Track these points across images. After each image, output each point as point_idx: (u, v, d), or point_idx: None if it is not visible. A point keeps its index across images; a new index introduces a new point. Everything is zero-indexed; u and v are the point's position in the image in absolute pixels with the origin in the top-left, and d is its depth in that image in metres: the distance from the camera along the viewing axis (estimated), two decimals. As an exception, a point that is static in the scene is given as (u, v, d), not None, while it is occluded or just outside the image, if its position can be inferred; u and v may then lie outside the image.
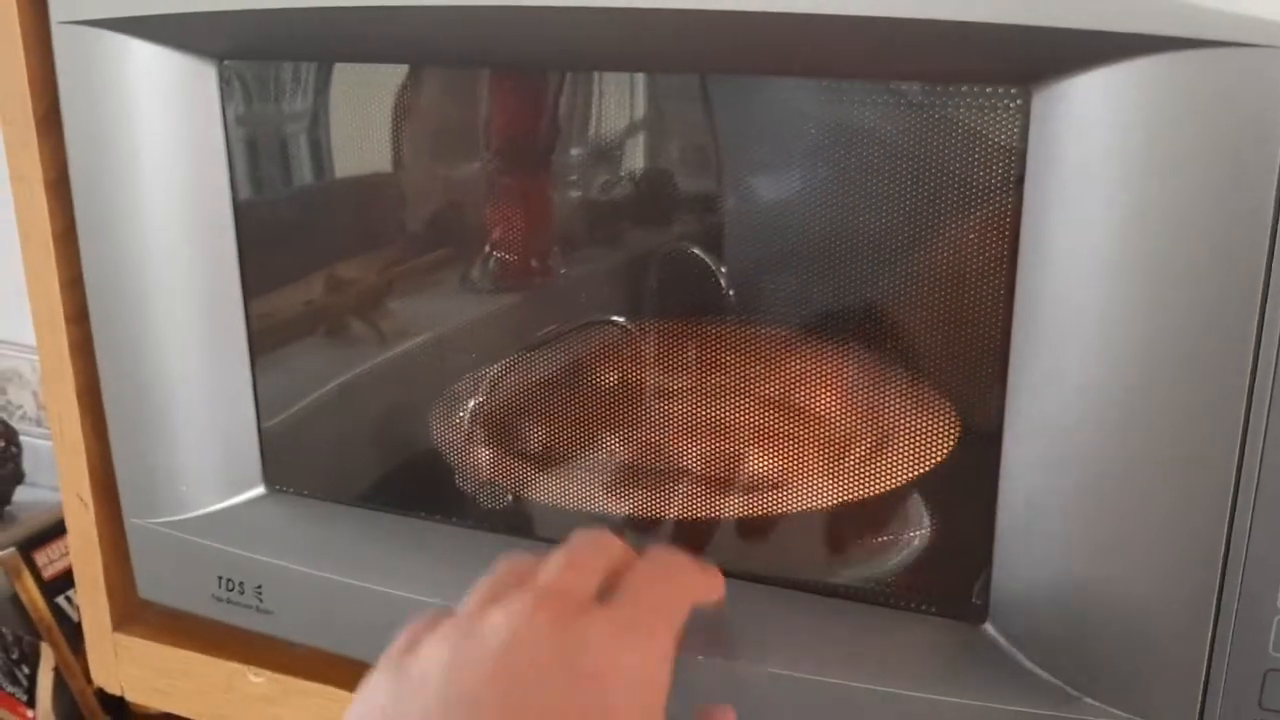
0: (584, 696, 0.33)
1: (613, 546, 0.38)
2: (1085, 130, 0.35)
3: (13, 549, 0.89)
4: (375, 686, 0.35)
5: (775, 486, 0.45)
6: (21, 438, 1.05)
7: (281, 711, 0.55)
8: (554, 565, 0.37)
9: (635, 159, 0.46)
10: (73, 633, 0.88)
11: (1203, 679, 0.37)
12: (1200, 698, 0.37)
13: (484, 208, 0.50)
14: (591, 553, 0.38)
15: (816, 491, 0.44)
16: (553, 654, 0.33)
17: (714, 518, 0.47)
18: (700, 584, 0.39)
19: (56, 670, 0.87)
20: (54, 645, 0.86)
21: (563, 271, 0.50)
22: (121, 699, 0.85)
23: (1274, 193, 0.33)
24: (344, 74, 0.50)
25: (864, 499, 0.43)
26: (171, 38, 0.48)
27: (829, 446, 0.44)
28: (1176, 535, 0.37)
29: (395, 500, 0.53)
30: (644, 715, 0.34)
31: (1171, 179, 0.34)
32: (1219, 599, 0.37)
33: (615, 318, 0.47)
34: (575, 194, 0.48)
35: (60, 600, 0.90)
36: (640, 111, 0.45)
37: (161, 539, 0.54)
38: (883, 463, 0.42)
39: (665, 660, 0.35)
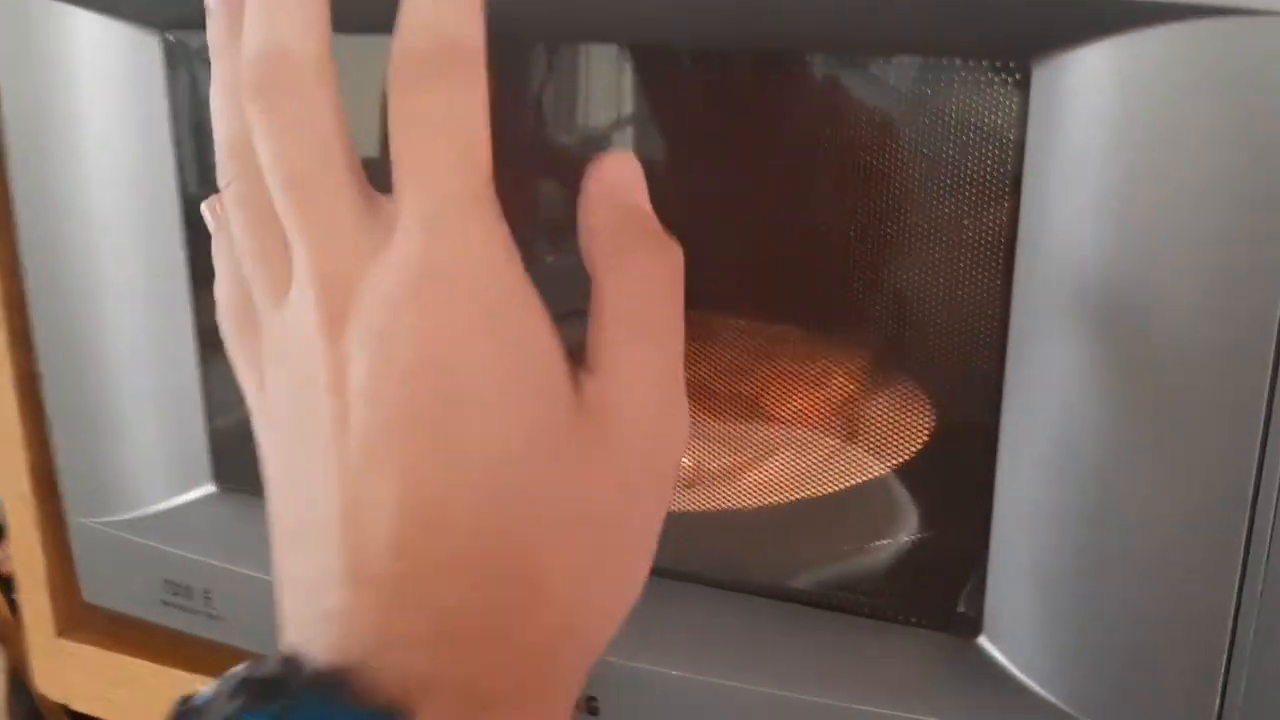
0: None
1: (317, 109, 0.27)
2: (1089, 106, 0.32)
3: (-35, 545, 0.86)
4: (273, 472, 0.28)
5: (759, 490, 0.43)
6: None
7: (232, 723, 0.52)
8: (284, 210, 0.26)
9: (615, 139, 0.44)
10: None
11: (1218, 701, 0.34)
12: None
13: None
14: (303, 149, 0.26)
15: (799, 495, 0.42)
16: (381, 355, 0.25)
17: (694, 520, 0.44)
18: (478, 94, 0.26)
19: (12, 670, 0.84)
20: (9, 644, 0.83)
21: (546, 259, 0.47)
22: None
23: (1295, 175, 0.30)
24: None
25: (850, 505, 0.41)
26: (111, 5, 0.45)
27: (813, 447, 0.42)
28: (1189, 542, 0.34)
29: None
30: (526, 350, 0.26)
31: (1182, 160, 0.31)
32: (1236, 612, 0.34)
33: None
34: (555, 180, 0.45)
35: (17, 597, 0.87)
36: (621, 89, 0.42)
37: (106, 539, 0.52)
38: (870, 466, 0.40)
39: (505, 258, 0.26)
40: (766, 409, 0.42)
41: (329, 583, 0.25)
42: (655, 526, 0.28)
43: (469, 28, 0.25)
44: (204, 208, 0.31)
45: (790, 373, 0.41)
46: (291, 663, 0.24)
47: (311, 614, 0.25)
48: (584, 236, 0.28)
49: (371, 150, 0.47)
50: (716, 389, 0.42)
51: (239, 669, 0.25)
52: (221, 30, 0.28)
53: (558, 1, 0.39)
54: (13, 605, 0.87)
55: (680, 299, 0.27)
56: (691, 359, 0.40)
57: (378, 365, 0.25)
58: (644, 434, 0.27)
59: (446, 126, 0.25)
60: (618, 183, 0.28)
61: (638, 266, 0.27)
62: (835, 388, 0.41)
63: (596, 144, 0.44)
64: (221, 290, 0.30)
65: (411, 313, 0.25)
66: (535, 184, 0.46)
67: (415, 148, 0.26)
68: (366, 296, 0.25)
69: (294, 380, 0.27)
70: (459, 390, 0.25)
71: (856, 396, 0.40)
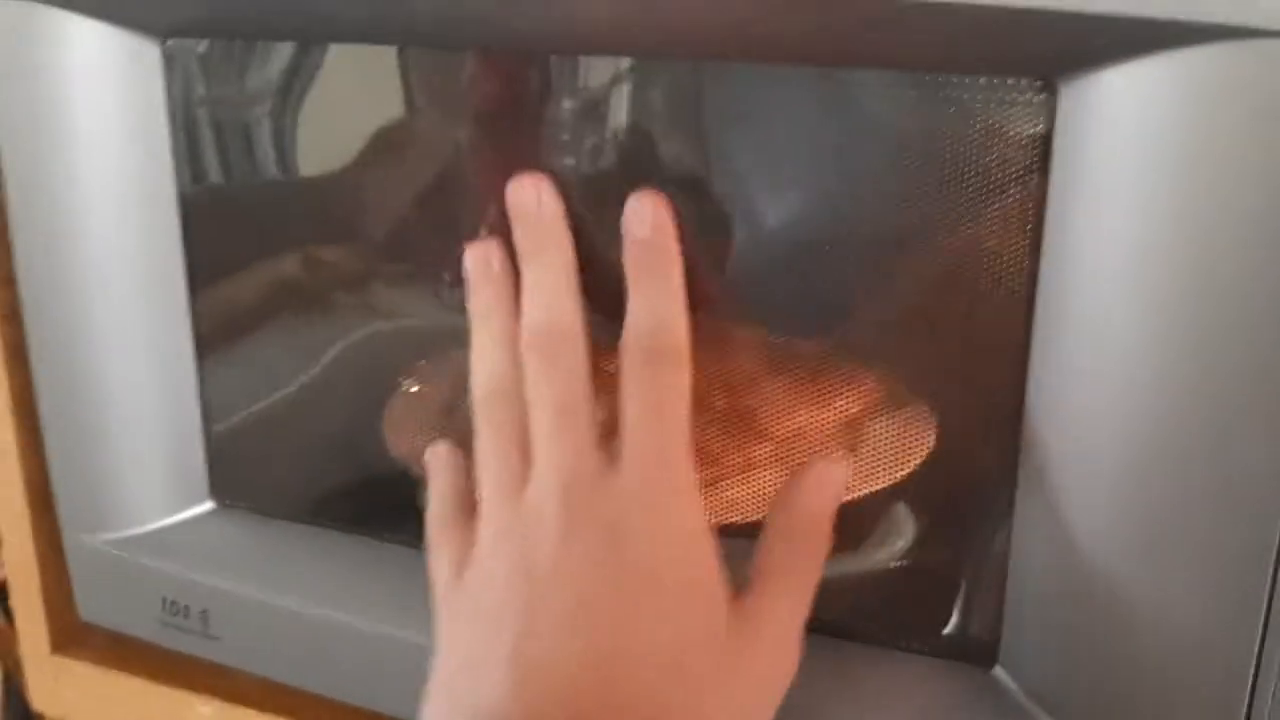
0: (642, 583, 0.34)
1: (578, 366, 0.36)
2: (1116, 127, 0.31)
3: (-40, 553, 0.85)
4: (452, 636, 0.36)
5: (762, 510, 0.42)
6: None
7: (230, 744, 0.51)
8: (547, 433, 0.36)
9: (618, 151, 0.42)
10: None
11: (1242, 739, 0.34)
12: (1237, 758, 0.34)
13: (458, 205, 0.46)
14: (572, 393, 0.36)
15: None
16: (601, 547, 0.34)
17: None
18: (685, 378, 0.36)
19: (7, 679, 0.83)
20: (3, 655, 0.83)
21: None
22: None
23: (1326, 199, 0.29)
24: (296, 56, 0.46)
25: (865, 531, 0.40)
26: (110, 13, 0.45)
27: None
28: (1214, 572, 0.33)
29: (353, 519, 0.49)
30: (702, 569, 0.35)
31: (1211, 181, 0.31)
32: (1261, 645, 0.33)
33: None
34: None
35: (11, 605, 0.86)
36: (636, 102, 0.41)
37: (103, 557, 0.51)
38: (887, 492, 0.39)
39: (693, 499, 0.35)
40: (774, 425, 0.41)
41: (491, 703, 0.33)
42: None
43: (683, 325, 0.36)
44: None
45: (803, 390, 0.40)
46: None
47: None
48: (781, 525, 0.37)
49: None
50: (719, 404, 0.41)
51: None
52: (488, 298, 0.39)
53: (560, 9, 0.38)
54: (8, 614, 0.86)
55: (817, 583, 0.37)
56: (710, 371, 0.39)
57: (599, 557, 0.34)
58: (783, 656, 0.36)
59: (663, 398, 0.35)
60: (824, 489, 0.37)
61: (808, 543, 0.37)
62: (849, 409, 0.40)
63: (601, 157, 0.43)
64: (437, 487, 0.41)
65: (631, 527, 0.34)
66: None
67: (640, 409, 0.35)
68: (599, 505, 0.34)
69: (511, 563, 0.35)
70: (653, 587, 0.34)
71: (871, 419, 0.39)
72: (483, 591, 0.36)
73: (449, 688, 0.35)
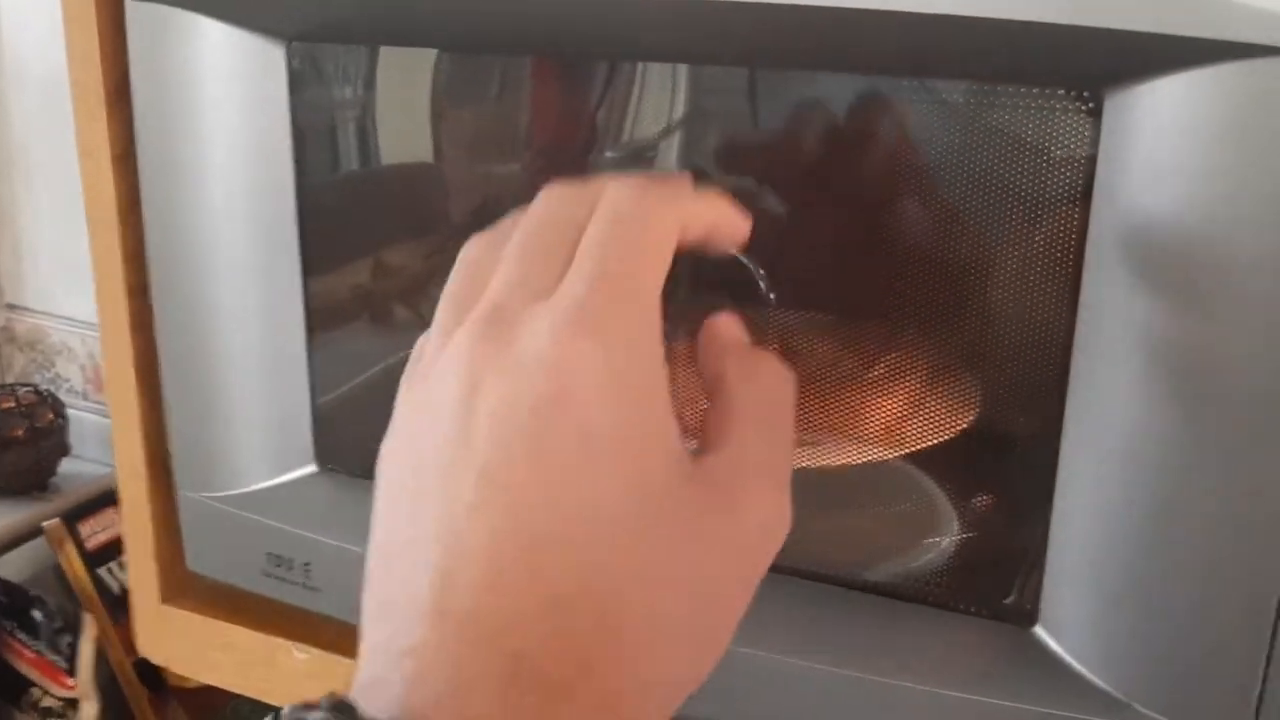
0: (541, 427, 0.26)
1: (580, 203, 0.29)
2: (1159, 138, 0.34)
3: (57, 520, 0.90)
4: (396, 450, 0.29)
5: (826, 483, 0.45)
6: (69, 411, 1.07)
7: (324, 688, 0.55)
8: (503, 268, 0.29)
9: (679, 154, 0.46)
10: (113, 604, 0.89)
11: (1259, 690, 0.37)
12: (1255, 708, 0.37)
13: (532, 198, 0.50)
14: (548, 231, 0.29)
15: (867, 486, 0.44)
16: (530, 383, 0.26)
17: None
18: (689, 210, 0.30)
19: (97, 640, 0.88)
20: (95, 616, 0.87)
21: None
22: (158, 672, 0.86)
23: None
24: (407, 60, 0.50)
25: (916, 496, 0.43)
26: (241, 17, 0.49)
27: (883, 444, 0.44)
28: (1235, 540, 0.36)
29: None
30: (653, 413, 0.27)
31: (1251, 192, 0.33)
32: (1279, 608, 0.36)
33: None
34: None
35: (102, 572, 0.91)
36: (684, 107, 0.45)
37: (212, 513, 0.55)
38: (938, 460, 0.42)
39: (635, 342, 0.27)
40: (840, 402, 0.44)
41: (413, 613, 0.25)
42: (744, 601, 0.28)
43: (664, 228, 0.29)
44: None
45: (861, 368, 0.43)
46: (343, 710, 0.24)
47: (391, 648, 0.25)
48: (713, 353, 0.31)
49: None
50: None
51: (286, 710, 0.25)
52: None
53: (621, 17, 0.41)
54: (97, 581, 0.91)
55: (793, 421, 0.30)
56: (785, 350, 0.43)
57: (515, 390, 0.26)
58: (763, 512, 0.28)
59: (637, 223, 0.29)
60: (735, 324, 0.31)
61: (768, 375, 0.31)
62: (905, 386, 0.43)
63: (654, 156, 0.46)
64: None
65: (557, 347, 0.26)
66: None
67: (603, 231, 0.29)
68: (526, 324, 0.27)
69: (430, 397, 0.28)
70: (581, 434, 0.26)
71: (926, 396, 0.42)
72: (427, 410, 0.28)
73: (385, 559, 0.28)
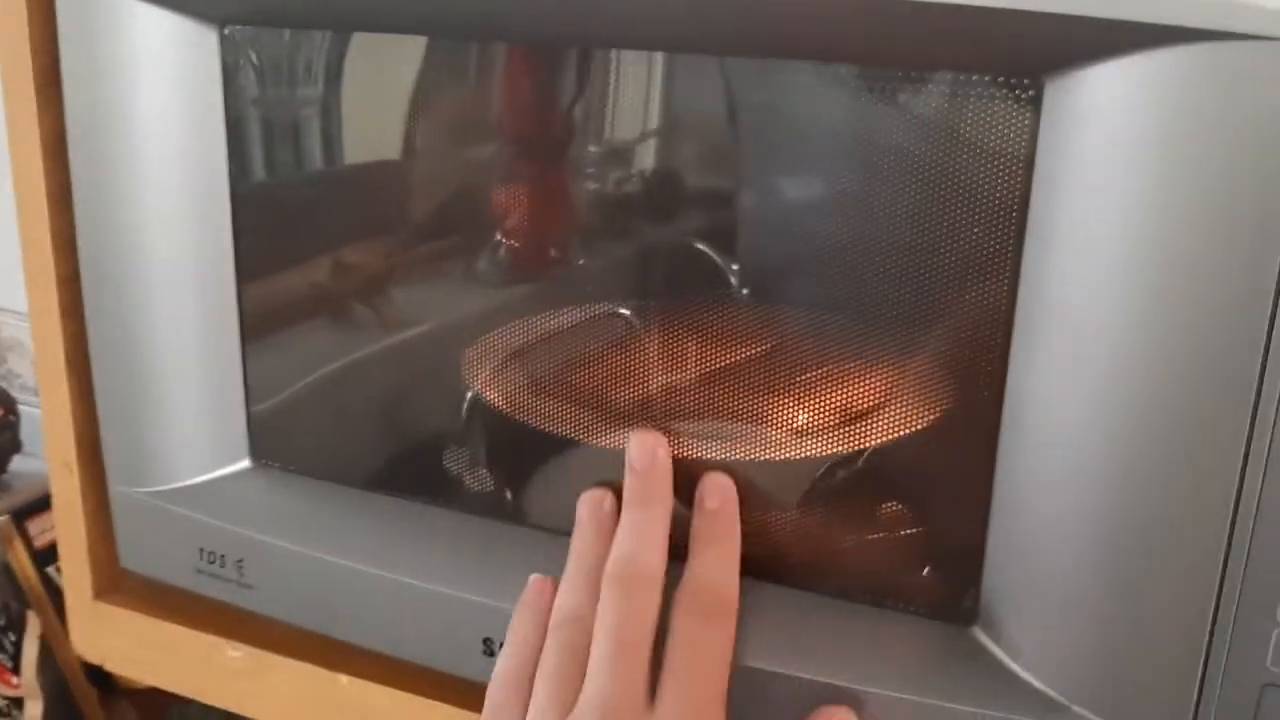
0: None
1: (648, 608, 0.40)
2: (1098, 123, 0.34)
3: (6, 517, 0.88)
4: None
5: (763, 479, 0.44)
6: (20, 407, 1.05)
7: (259, 687, 0.54)
8: (603, 659, 0.39)
9: (646, 142, 0.45)
10: (61, 603, 0.87)
11: (1197, 691, 0.36)
12: (1194, 710, 0.36)
13: (492, 194, 0.49)
14: (634, 630, 0.39)
15: (802, 482, 0.44)
16: None
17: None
18: (730, 635, 0.40)
19: (43, 639, 0.86)
20: (42, 614, 0.86)
21: (577, 262, 0.49)
22: (107, 672, 0.84)
23: (1290, 192, 0.32)
24: (350, 48, 0.49)
25: (851, 492, 0.43)
26: (171, 0, 0.47)
27: (818, 435, 0.43)
28: (1175, 543, 0.36)
29: (382, 480, 0.52)
30: None
31: (1186, 176, 0.33)
32: (1216, 611, 0.36)
33: (621, 309, 0.46)
34: (588, 183, 0.47)
35: (51, 570, 0.89)
36: (653, 94, 0.44)
37: (144, 508, 0.54)
38: (873, 454, 0.41)
39: None
40: (770, 395, 0.43)
41: None
42: None
43: (734, 589, 0.41)
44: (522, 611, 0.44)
45: (794, 362, 0.42)
46: None
47: None
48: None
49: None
50: (724, 369, 0.44)
51: None
52: (591, 534, 0.43)
53: (591, 4, 0.40)
54: (45, 579, 0.90)
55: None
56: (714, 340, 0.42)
57: None
58: None
59: (707, 652, 0.39)
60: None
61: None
62: (840, 381, 0.42)
63: (623, 148, 0.45)
64: (507, 664, 0.42)
65: None
66: (571, 189, 0.47)
67: (684, 659, 0.39)
68: None
69: None
70: None
71: (861, 390, 0.41)
72: None
73: None
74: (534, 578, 0.44)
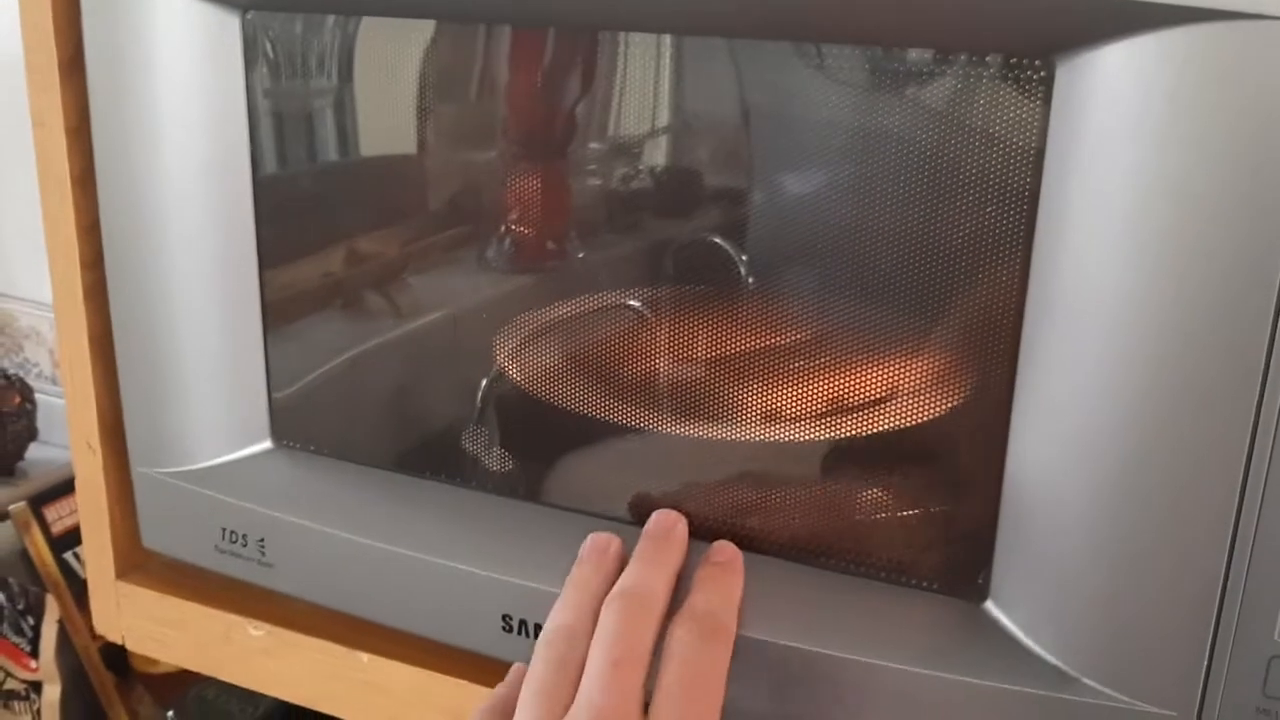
0: None
1: (647, 629, 0.39)
2: (1109, 103, 0.34)
3: (23, 503, 0.89)
4: None
5: (778, 459, 0.45)
6: (37, 395, 1.06)
7: (279, 664, 0.55)
8: (598, 675, 0.38)
9: (658, 132, 0.46)
10: (79, 588, 0.88)
11: (1205, 664, 0.37)
12: (1202, 682, 0.37)
13: (504, 185, 0.49)
14: (632, 647, 0.38)
15: (817, 462, 0.44)
16: None
17: (722, 488, 0.46)
18: (726, 657, 0.40)
19: (61, 624, 0.87)
20: (59, 599, 0.87)
21: (581, 253, 0.49)
22: (124, 657, 0.85)
23: (1302, 172, 0.32)
24: (370, 35, 0.49)
25: (866, 472, 0.43)
26: None
27: (833, 417, 0.44)
28: (1184, 518, 0.36)
29: (400, 460, 0.52)
30: None
31: (1197, 156, 0.33)
32: (1224, 584, 0.36)
33: (632, 301, 0.47)
34: (595, 179, 0.47)
35: (68, 556, 0.90)
36: (662, 80, 0.44)
37: (166, 488, 0.54)
38: (887, 435, 0.42)
39: None
40: (789, 379, 0.44)
41: None
42: None
43: (733, 621, 0.41)
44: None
45: (811, 345, 0.43)
46: None
47: None
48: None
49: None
50: (739, 352, 0.44)
51: None
52: (590, 569, 0.43)
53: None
54: (62, 565, 0.91)
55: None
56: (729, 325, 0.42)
57: None
58: None
59: (704, 673, 0.38)
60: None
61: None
62: (855, 362, 0.42)
63: (635, 135, 0.46)
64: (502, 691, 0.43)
65: None
66: (570, 180, 0.48)
67: (679, 677, 0.38)
68: None
69: None
70: None
71: (876, 371, 0.42)
72: None
73: None
74: None
